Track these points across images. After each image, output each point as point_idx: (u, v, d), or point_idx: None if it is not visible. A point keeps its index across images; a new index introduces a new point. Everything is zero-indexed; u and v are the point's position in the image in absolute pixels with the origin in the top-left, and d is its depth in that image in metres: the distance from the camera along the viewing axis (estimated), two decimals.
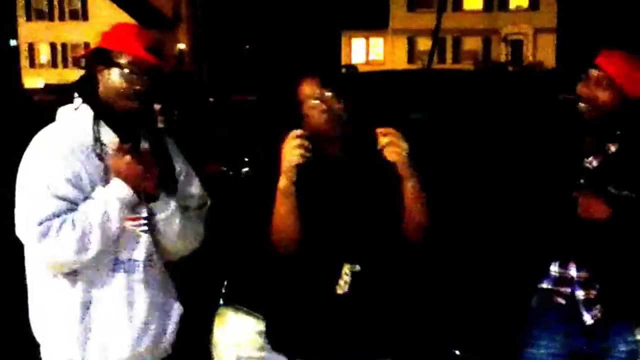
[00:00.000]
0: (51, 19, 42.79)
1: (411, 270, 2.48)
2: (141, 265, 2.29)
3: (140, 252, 2.28)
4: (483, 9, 39.08)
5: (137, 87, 2.19)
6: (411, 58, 38.45)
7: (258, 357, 2.71)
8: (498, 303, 2.68)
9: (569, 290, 2.48)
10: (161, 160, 2.29)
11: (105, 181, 2.20)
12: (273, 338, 2.49)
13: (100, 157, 2.20)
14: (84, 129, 2.21)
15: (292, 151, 2.26)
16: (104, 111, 2.22)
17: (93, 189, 2.19)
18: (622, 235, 2.39)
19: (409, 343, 2.44)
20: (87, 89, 2.24)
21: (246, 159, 6.08)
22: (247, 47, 45.40)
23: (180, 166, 2.40)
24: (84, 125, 2.21)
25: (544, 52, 37.49)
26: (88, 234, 2.14)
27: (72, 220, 2.13)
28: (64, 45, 42.83)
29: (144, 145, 2.29)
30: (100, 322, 2.25)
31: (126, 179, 2.18)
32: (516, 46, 38.66)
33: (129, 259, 2.27)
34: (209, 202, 2.50)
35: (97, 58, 2.22)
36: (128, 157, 2.17)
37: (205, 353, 2.91)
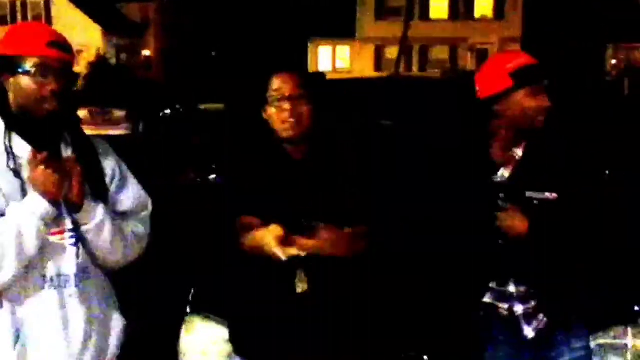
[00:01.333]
0: (14, 23, 42.19)
1: (374, 269, 2.46)
2: (72, 279, 2.16)
3: (69, 265, 2.16)
4: (449, 17, 39.46)
5: (50, 88, 2.06)
6: (378, 66, 38.63)
7: None
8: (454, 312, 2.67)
9: (506, 305, 2.50)
10: (87, 165, 2.15)
11: (25, 196, 2.07)
12: (236, 342, 2.48)
13: (16, 172, 2.07)
14: None
15: (272, 247, 2.23)
16: (16, 121, 2.09)
17: None
18: (550, 241, 2.40)
19: (372, 345, 2.42)
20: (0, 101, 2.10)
21: (214, 166, 6.05)
22: (214, 54, 45.24)
23: (112, 170, 2.28)
24: None
25: None
26: (1, 254, 2.02)
27: None
28: None
29: (67, 151, 2.17)
30: (34, 343, 2.13)
31: (43, 191, 2.04)
32: (482, 55, 39.07)
33: (59, 274, 2.14)
34: (150, 206, 2.37)
35: (4, 68, 2.08)
36: (42, 167, 2.02)
37: None
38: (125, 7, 44.65)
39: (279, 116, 2.32)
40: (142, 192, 2.36)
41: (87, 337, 2.21)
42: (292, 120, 2.30)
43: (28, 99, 2.07)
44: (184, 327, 2.87)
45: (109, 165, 2.28)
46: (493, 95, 2.42)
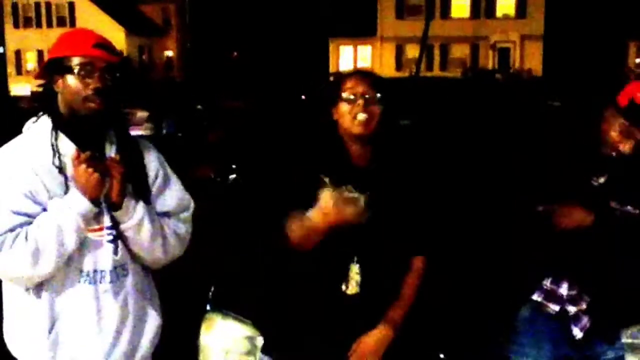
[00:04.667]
0: (39, 25, 42.60)
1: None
2: (108, 275, 2.22)
3: (106, 261, 2.21)
4: (470, 16, 39.24)
5: (94, 86, 2.13)
6: (399, 65, 38.53)
7: None
8: (486, 310, 2.69)
9: (557, 307, 2.51)
10: (130, 165, 2.21)
11: (67, 193, 2.14)
12: (272, 342, 2.46)
13: (61, 170, 2.15)
14: (43, 141, 2.17)
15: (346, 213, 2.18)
16: (64, 121, 2.18)
17: None
18: (612, 245, 2.41)
19: (404, 347, 2.44)
20: (47, 101, 2.20)
21: (234, 166, 6.09)
22: (235, 54, 45.37)
23: (156, 170, 2.34)
24: (43, 138, 2.17)
25: (531, 59, 37.69)
26: (41, 248, 2.09)
27: (26, 235, 2.09)
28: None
29: (111, 151, 2.24)
30: (69, 334, 2.21)
31: (84, 189, 2.12)
32: (503, 54, 38.82)
33: (95, 270, 2.21)
34: (192, 206, 2.42)
35: (51, 70, 2.18)
36: (84, 166, 2.10)
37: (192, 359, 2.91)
38: (146, 9, 44.94)
39: (351, 112, 2.34)
40: (185, 193, 2.41)
41: (119, 333, 2.27)
42: (364, 115, 2.32)
43: (73, 97, 2.15)
44: (203, 324, 2.90)
45: (153, 165, 2.33)
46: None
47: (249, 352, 2.71)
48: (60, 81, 2.17)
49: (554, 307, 2.52)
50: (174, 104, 19.25)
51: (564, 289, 2.51)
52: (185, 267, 2.74)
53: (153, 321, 2.38)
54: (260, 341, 2.61)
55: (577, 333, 2.51)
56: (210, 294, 3.00)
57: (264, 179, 2.67)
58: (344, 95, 2.35)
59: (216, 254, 3.36)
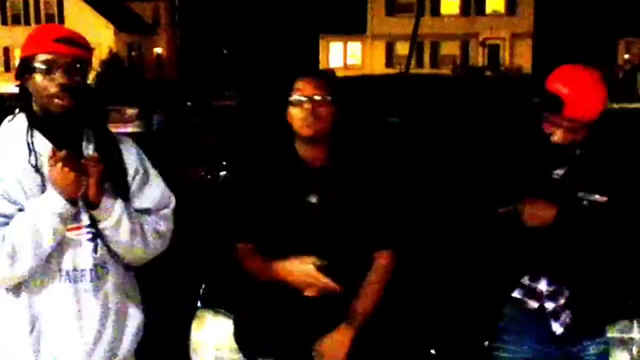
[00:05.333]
0: (27, 23, 42.34)
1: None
2: (88, 274, 2.20)
3: (86, 260, 2.19)
4: (460, 13, 39.32)
5: (59, 82, 2.10)
6: (389, 62, 38.56)
7: None
8: (473, 305, 2.70)
9: (536, 304, 2.52)
10: (108, 163, 2.18)
11: (44, 192, 2.12)
12: (240, 339, 2.52)
13: (37, 169, 2.13)
14: (18, 140, 2.14)
15: (302, 280, 2.32)
16: (39, 119, 2.16)
17: None
18: (583, 235, 2.41)
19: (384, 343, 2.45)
20: (22, 101, 2.18)
21: (224, 163, 6.09)
22: (226, 51, 45.29)
23: (135, 167, 2.31)
24: (18, 137, 2.15)
25: (521, 57, 37.81)
26: (18, 249, 2.07)
27: (3, 236, 2.07)
28: None
29: (88, 149, 2.21)
30: (49, 334, 2.19)
31: (60, 189, 2.08)
32: (493, 51, 38.92)
33: (74, 269, 2.18)
34: (173, 203, 2.39)
35: (23, 70, 2.16)
36: (59, 166, 2.05)
37: (182, 356, 2.91)
38: (136, 6, 44.77)
39: (299, 114, 2.37)
40: (165, 190, 2.38)
41: (100, 332, 2.24)
42: (311, 118, 2.35)
43: (41, 95, 2.13)
44: (194, 322, 2.90)
45: (132, 162, 2.30)
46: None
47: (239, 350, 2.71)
48: (30, 80, 2.14)
49: (533, 304, 2.52)
50: (163, 101, 19.22)
51: (543, 285, 2.51)
52: (176, 265, 2.73)
53: (134, 319, 2.35)
54: None
55: (557, 329, 2.51)
56: (201, 291, 3.00)
57: (236, 178, 2.72)
58: (293, 98, 2.38)
59: (207, 251, 3.36)
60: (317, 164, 2.42)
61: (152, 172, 2.37)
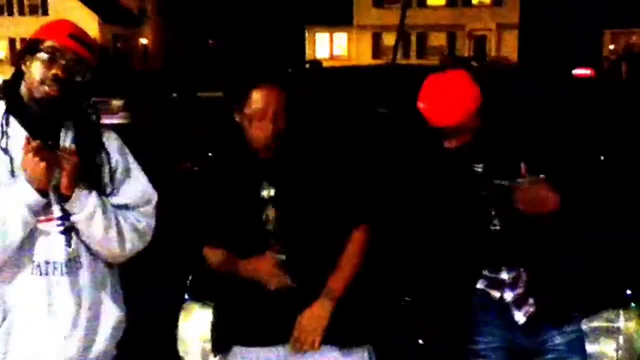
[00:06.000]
0: (10, 14, 42.04)
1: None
2: (61, 267, 2.15)
3: (58, 253, 2.14)
4: (447, 4, 39.38)
5: (55, 72, 2.10)
6: (376, 54, 38.57)
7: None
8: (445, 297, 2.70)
9: (498, 293, 2.53)
10: (87, 156, 2.16)
11: (14, 179, 2.09)
12: (216, 330, 2.53)
13: (5, 151, 2.10)
14: None
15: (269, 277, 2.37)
16: (20, 104, 2.14)
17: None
18: (565, 226, 2.43)
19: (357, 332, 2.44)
20: (10, 84, 2.18)
21: (210, 154, 6.05)
22: (211, 42, 45.13)
23: (116, 161, 2.28)
24: None
25: (507, 47, 37.93)
26: None
27: None
28: (23, 41, 41.70)
29: (66, 140, 2.18)
30: (21, 328, 2.14)
31: (30, 179, 2.06)
32: (480, 42, 39.03)
33: (47, 261, 2.14)
34: (154, 200, 2.35)
35: (26, 50, 2.16)
36: (31, 155, 2.03)
37: (170, 348, 2.90)
38: None
39: (252, 130, 2.33)
40: (148, 186, 2.34)
41: (73, 326, 2.19)
42: (271, 134, 2.31)
43: (32, 78, 2.12)
44: (181, 313, 2.90)
45: (113, 156, 2.27)
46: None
47: None
48: (28, 61, 2.14)
49: (496, 294, 2.53)
50: (149, 93, 19.12)
51: (504, 274, 2.52)
52: (163, 257, 2.72)
53: (112, 315, 2.29)
54: None
55: (520, 318, 2.52)
56: (188, 283, 2.99)
57: (199, 173, 2.77)
58: (248, 111, 2.31)
59: (192, 243, 3.34)
60: (269, 154, 2.38)
61: (134, 167, 2.34)
